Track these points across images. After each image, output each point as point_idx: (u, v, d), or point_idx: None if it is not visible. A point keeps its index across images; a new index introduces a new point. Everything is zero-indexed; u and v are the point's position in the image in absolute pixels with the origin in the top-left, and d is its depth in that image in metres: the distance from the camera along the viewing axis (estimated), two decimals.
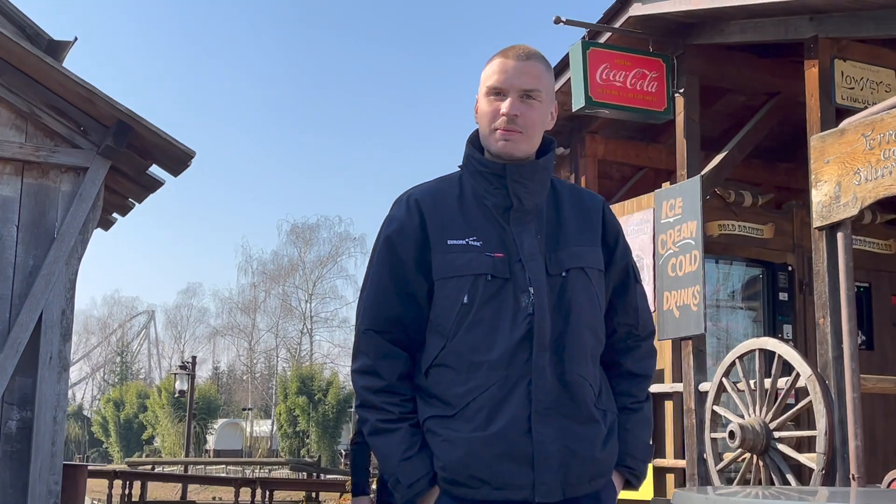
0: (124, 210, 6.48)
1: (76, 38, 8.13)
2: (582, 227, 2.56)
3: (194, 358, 33.76)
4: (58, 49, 7.90)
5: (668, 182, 8.72)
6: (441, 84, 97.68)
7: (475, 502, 2.38)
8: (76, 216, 5.54)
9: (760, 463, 7.01)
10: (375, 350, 2.50)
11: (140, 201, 6.14)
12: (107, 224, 6.73)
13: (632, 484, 2.57)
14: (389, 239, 2.52)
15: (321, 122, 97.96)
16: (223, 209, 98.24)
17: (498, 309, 2.41)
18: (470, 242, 2.44)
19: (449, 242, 2.45)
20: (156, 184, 5.89)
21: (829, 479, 6.51)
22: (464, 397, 2.39)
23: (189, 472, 25.63)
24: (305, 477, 21.75)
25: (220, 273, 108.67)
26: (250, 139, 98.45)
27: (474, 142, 2.57)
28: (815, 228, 7.07)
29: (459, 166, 2.62)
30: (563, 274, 2.47)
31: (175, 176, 5.76)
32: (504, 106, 2.47)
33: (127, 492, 19.86)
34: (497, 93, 2.49)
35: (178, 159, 5.60)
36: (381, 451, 2.49)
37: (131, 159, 5.69)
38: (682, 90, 8.19)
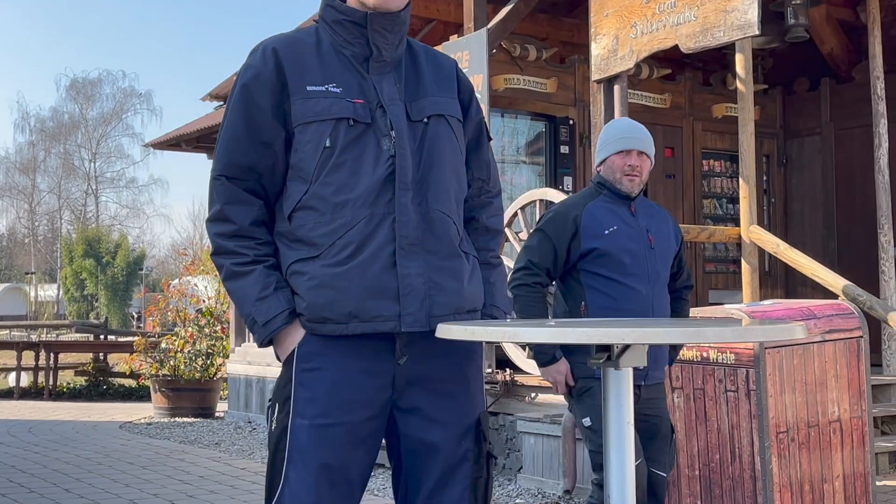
0: None
1: None
2: (439, 81, 2.61)
3: None
4: None
5: (457, 35, 8.75)
6: None
7: (344, 338, 2.41)
8: None
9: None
10: (227, 196, 2.50)
11: None
12: None
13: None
14: (246, 87, 2.49)
15: None
16: None
17: (360, 152, 2.44)
18: (329, 89, 2.45)
19: (308, 88, 2.45)
20: None
21: None
22: (330, 236, 2.41)
23: None
24: (92, 339, 21.37)
25: None
26: None
27: None
28: (594, 81, 7.28)
29: (315, 20, 2.60)
30: (425, 120, 2.52)
31: None
32: None
33: None
34: None
35: None
36: (236, 295, 2.50)
37: None
38: None
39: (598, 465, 3.88)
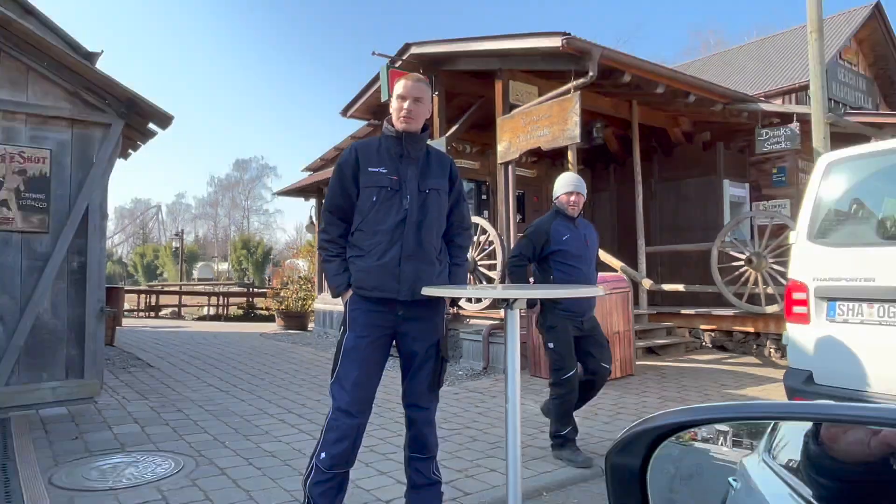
0: (135, 147, 5.83)
1: (102, 51, 7.18)
2: (439, 170, 2.53)
3: (182, 230, 31.67)
4: (91, 56, 6.93)
5: (430, 140, 8.68)
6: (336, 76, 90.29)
7: (370, 299, 2.41)
8: (105, 151, 4.95)
9: (472, 278, 7.31)
10: (328, 221, 2.50)
11: (144, 143, 5.53)
12: (126, 155, 6.07)
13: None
14: (340, 165, 2.49)
15: (252, 81, 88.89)
16: (194, 146, 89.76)
17: (390, 205, 2.41)
18: (381, 170, 2.42)
19: (369, 169, 2.42)
20: (152, 133, 5.29)
21: (502, 282, 6.87)
22: (369, 247, 2.40)
23: (182, 290, 24.20)
24: (246, 291, 21.06)
25: (197, 186, 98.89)
26: (220, 97, 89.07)
27: (388, 120, 2.52)
28: (499, 164, 7.27)
29: (381, 133, 2.56)
30: (427, 191, 2.47)
31: (163, 129, 5.19)
32: (405, 105, 2.45)
33: (147, 301, 18.67)
34: (402, 98, 2.46)
35: (164, 119, 5.05)
36: (326, 271, 2.50)
37: (136, 119, 5.09)
38: (437, 93, 8.13)
39: (555, 370, 3.48)
